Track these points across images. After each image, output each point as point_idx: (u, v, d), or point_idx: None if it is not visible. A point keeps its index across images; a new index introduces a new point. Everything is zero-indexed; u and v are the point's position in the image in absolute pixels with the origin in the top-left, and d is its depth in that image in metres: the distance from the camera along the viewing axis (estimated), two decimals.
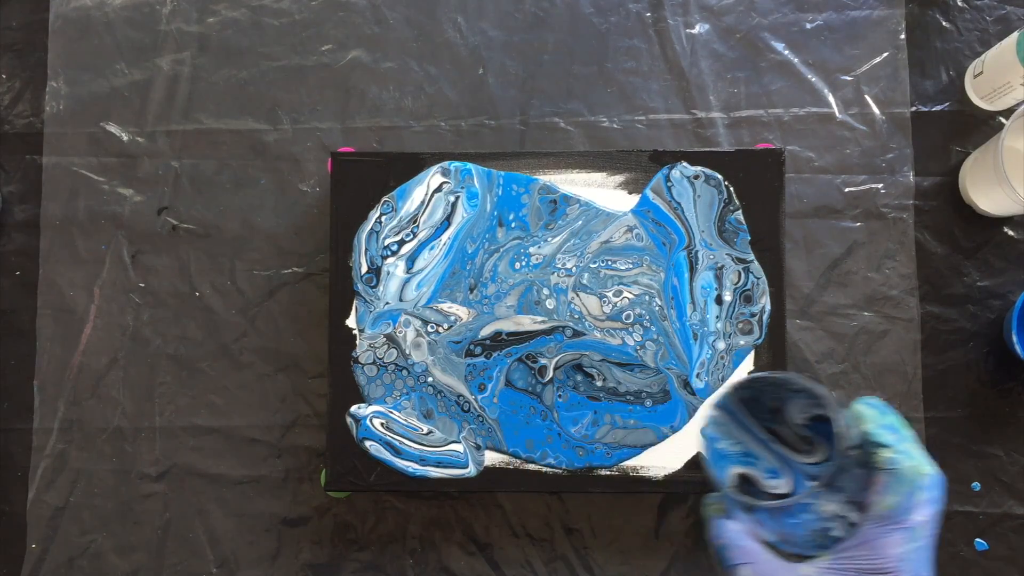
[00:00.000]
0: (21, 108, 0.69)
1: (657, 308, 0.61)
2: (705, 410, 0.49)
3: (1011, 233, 0.66)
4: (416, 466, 0.60)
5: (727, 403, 0.45)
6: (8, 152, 0.69)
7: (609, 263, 0.61)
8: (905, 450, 0.43)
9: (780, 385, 0.45)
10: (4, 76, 0.70)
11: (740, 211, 0.61)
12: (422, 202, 0.62)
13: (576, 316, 0.61)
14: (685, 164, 0.62)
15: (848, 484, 0.43)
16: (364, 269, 0.62)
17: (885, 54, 0.68)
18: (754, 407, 0.46)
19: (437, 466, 0.60)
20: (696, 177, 0.62)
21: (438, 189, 0.62)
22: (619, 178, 0.62)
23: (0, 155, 0.69)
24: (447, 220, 0.62)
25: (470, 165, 0.62)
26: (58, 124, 0.69)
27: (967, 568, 0.64)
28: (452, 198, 0.62)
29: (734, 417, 0.46)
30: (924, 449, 0.43)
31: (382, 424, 0.61)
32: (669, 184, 0.62)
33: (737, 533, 0.43)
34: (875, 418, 0.43)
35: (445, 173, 0.62)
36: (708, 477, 0.44)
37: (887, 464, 0.43)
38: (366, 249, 0.62)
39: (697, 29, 0.68)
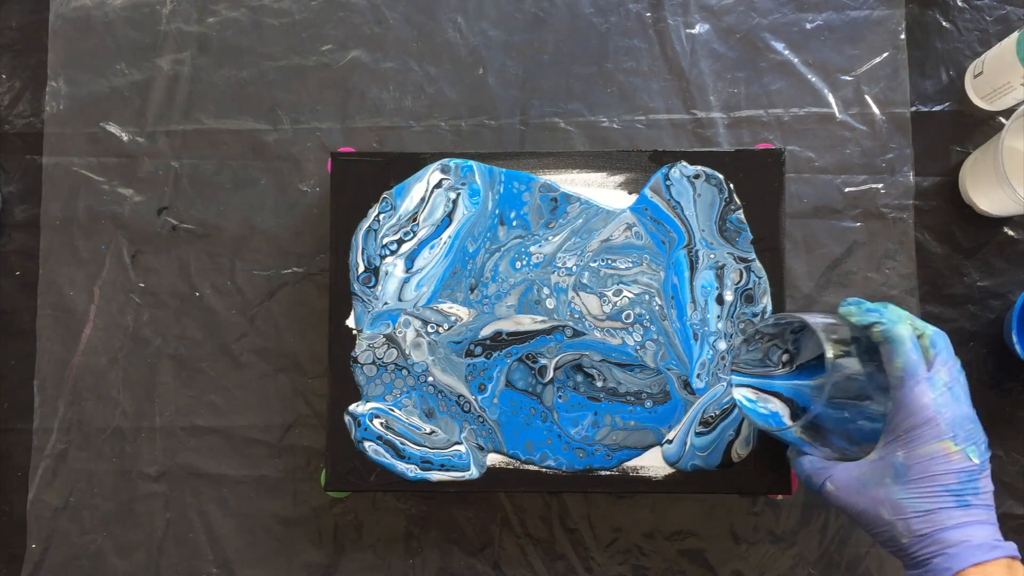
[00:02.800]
0: (21, 108, 0.69)
1: (657, 308, 0.61)
2: (732, 391, 0.55)
3: (1011, 233, 0.66)
4: (416, 469, 0.60)
5: (741, 369, 0.55)
6: (8, 152, 0.69)
7: (609, 262, 0.61)
8: (892, 318, 0.49)
9: (773, 331, 0.54)
10: (4, 76, 0.70)
11: (741, 210, 0.61)
12: (422, 199, 0.62)
13: (576, 316, 0.61)
14: (684, 164, 0.62)
15: (869, 377, 0.49)
16: (361, 269, 0.62)
17: (885, 54, 0.68)
18: (758, 361, 0.55)
19: (440, 469, 0.60)
20: (696, 176, 0.62)
21: (438, 185, 0.62)
22: (619, 178, 0.62)
23: (0, 155, 0.69)
24: (448, 217, 0.62)
25: (471, 162, 0.62)
26: (58, 124, 0.69)
27: None
28: (453, 195, 0.62)
29: (751, 377, 0.55)
30: (919, 318, 0.49)
31: (382, 423, 0.61)
32: (668, 183, 0.62)
33: (810, 461, 0.51)
34: (856, 312, 0.50)
35: (445, 170, 0.62)
36: (772, 434, 0.52)
37: (881, 336, 0.49)
38: (363, 249, 0.62)
39: (697, 29, 0.68)
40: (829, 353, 0.48)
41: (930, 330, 0.50)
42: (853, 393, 0.49)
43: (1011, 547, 0.46)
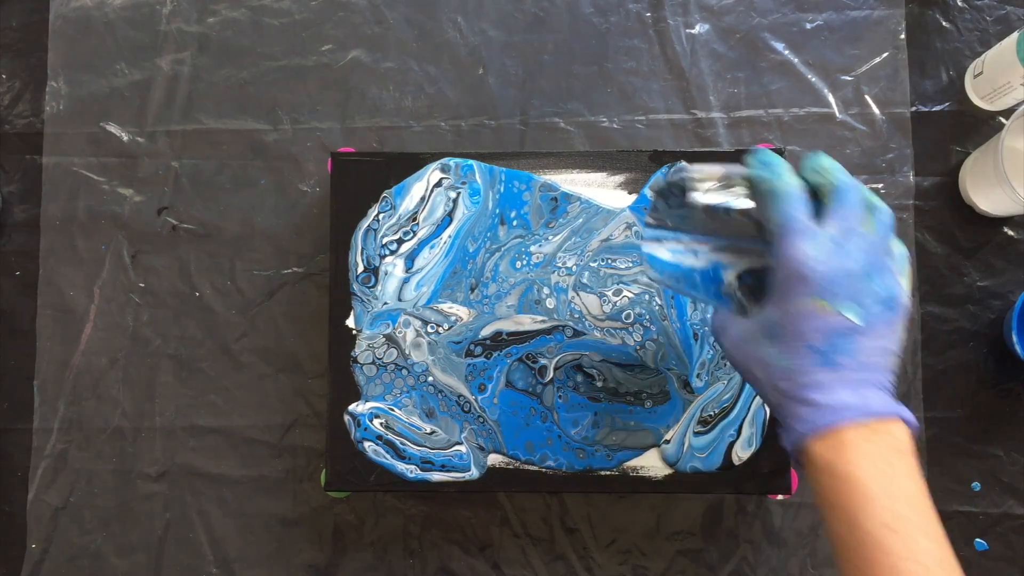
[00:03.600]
0: (21, 108, 0.69)
1: (657, 307, 0.61)
2: (642, 245, 0.52)
3: (1011, 233, 0.66)
4: (416, 470, 0.60)
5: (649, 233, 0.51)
6: (8, 152, 0.69)
7: (609, 262, 0.61)
8: (779, 173, 0.45)
9: (668, 188, 0.50)
10: (4, 76, 0.70)
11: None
12: (422, 198, 0.62)
13: (576, 316, 0.61)
14: (684, 163, 0.62)
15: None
16: (360, 269, 0.62)
17: (885, 54, 0.68)
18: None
19: (441, 470, 0.60)
20: None
21: (438, 184, 0.62)
22: (619, 178, 0.62)
23: (0, 155, 0.69)
24: (448, 216, 0.62)
25: (471, 161, 0.62)
26: (58, 124, 0.69)
27: (967, 568, 0.63)
28: (453, 194, 0.62)
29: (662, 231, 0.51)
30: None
31: (382, 423, 0.61)
32: None
33: (718, 315, 0.48)
34: (754, 163, 0.46)
35: (445, 169, 0.62)
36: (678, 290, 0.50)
37: (765, 190, 0.45)
38: (363, 248, 0.62)
39: (697, 29, 0.68)
40: (698, 199, 0.47)
41: (840, 182, 0.45)
42: (747, 249, 0.47)
43: (887, 409, 0.43)
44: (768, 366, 0.44)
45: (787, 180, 0.45)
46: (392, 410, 0.61)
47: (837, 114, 0.67)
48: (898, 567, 0.40)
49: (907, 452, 0.42)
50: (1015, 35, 0.60)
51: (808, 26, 0.68)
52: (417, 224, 0.62)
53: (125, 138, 0.69)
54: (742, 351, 0.46)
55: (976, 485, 0.64)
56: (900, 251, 0.46)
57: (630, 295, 0.61)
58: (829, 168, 0.45)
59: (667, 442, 0.60)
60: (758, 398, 0.60)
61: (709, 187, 0.48)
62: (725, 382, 0.60)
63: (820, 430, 0.43)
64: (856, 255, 0.43)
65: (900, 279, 0.44)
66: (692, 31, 0.68)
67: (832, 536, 0.43)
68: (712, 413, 0.60)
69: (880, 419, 0.42)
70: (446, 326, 0.61)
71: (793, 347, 0.44)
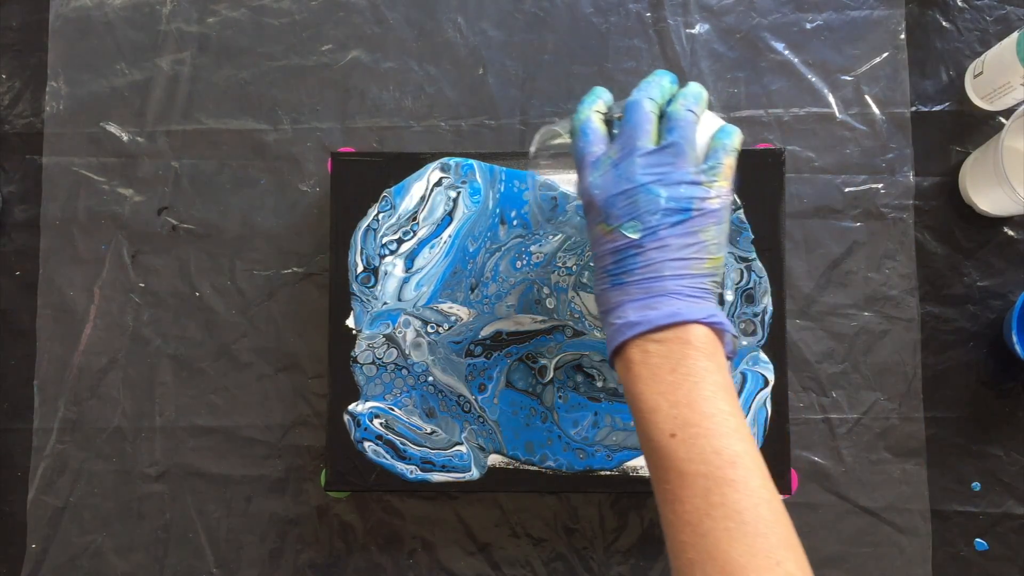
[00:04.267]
0: (21, 108, 0.69)
1: None
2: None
3: (1011, 233, 0.66)
4: (417, 470, 0.60)
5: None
6: (8, 152, 0.69)
7: None
8: (581, 109, 0.47)
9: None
10: (4, 76, 0.70)
11: (741, 210, 0.61)
12: (422, 198, 0.62)
13: (576, 315, 0.61)
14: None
15: None
16: (360, 268, 0.62)
17: (885, 54, 0.68)
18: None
19: (442, 470, 0.60)
20: None
21: (438, 184, 0.62)
22: None
23: (0, 155, 0.69)
24: (449, 216, 0.62)
25: (472, 160, 0.62)
26: (58, 124, 0.69)
27: (967, 568, 0.64)
28: (453, 194, 0.62)
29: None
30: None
31: (382, 423, 0.61)
32: None
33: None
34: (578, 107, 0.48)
35: (445, 168, 0.62)
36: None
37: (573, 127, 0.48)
38: (362, 248, 0.62)
39: (697, 29, 0.68)
40: (531, 148, 0.52)
41: (630, 101, 0.46)
42: None
43: (671, 317, 0.42)
44: (595, 296, 0.46)
45: (581, 115, 0.47)
46: (392, 410, 0.61)
47: (837, 114, 0.67)
48: (681, 469, 0.40)
49: (699, 355, 0.42)
50: (1015, 35, 0.60)
51: (808, 26, 0.68)
52: (417, 224, 0.62)
53: (125, 138, 0.69)
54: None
55: (976, 485, 0.64)
56: (721, 143, 0.45)
57: None
58: (643, 87, 0.46)
59: None
60: (760, 396, 0.60)
61: (548, 135, 0.52)
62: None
63: (613, 351, 0.44)
64: (631, 172, 0.43)
65: (705, 179, 0.43)
66: (692, 31, 0.68)
67: (640, 446, 0.44)
68: None
69: (671, 327, 0.42)
70: (446, 326, 0.61)
71: (597, 274, 0.45)
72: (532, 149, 0.54)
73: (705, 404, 0.41)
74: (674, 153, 0.44)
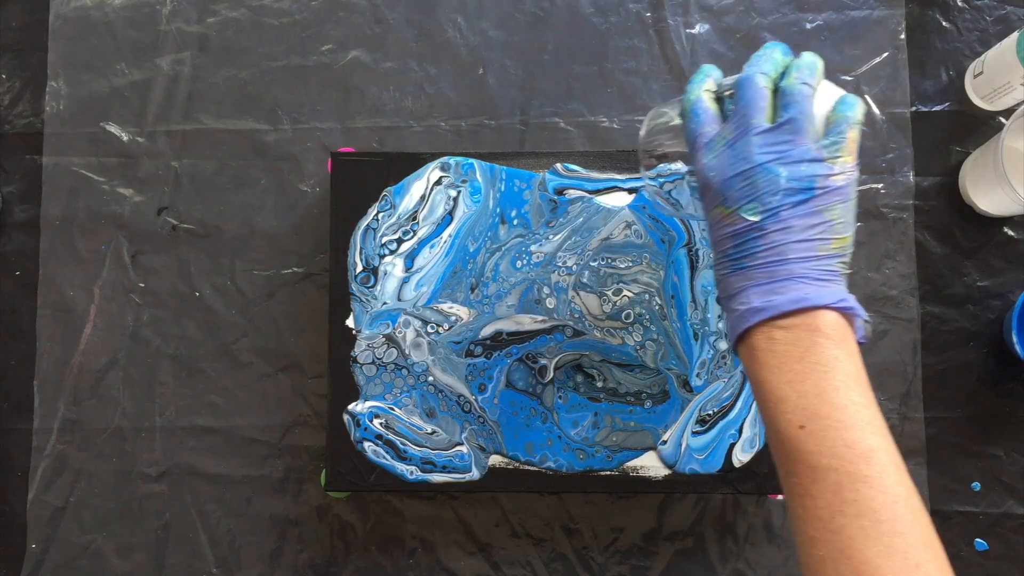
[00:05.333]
0: (21, 108, 0.69)
1: (657, 307, 0.61)
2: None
3: (1011, 233, 0.66)
4: (417, 471, 0.60)
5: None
6: (8, 152, 0.69)
7: (609, 261, 0.61)
8: (690, 88, 0.45)
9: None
10: (4, 76, 0.70)
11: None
12: (422, 197, 0.62)
13: (576, 315, 0.61)
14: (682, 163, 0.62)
15: None
16: (359, 268, 0.62)
17: (885, 54, 0.68)
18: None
19: (442, 471, 0.60)
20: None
21: (438, 182, 0.62)
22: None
23: (0, 155, 0.69)
24: (449, 215, 0.62)
25: (472, 160, 0.62)
26: (58, 124, 0.69)
27: (967, 568, 0.64)
28: (454, 193, 0.62)
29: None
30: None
31: (382, 423, 0.61)
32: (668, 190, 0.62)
33: None
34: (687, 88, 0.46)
35: (445, 168, 0.62)
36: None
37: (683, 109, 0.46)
38: (361, 248, 0.62)
39: (697, 29, 0.68)
40: (641, 131, 0.50)
41: (742, 77, 0.43)
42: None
43: (798, 302, 0.40)
44: (716, 280, 0.44)
45: (691, 95, 0.45)
46: (392, 409, 0.61)
47: None
48: (811, 463, 0.39)
49: (829, 342, 0.40)
50: (1015, 35, 0.60)
51: (808, 26, 0.68)
52: (417, 223, 0.62)
53: (125, 138, 0.69)
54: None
55: (976, 485, 0.64)
56: (844, 116, 0.42)
57: (630, 295, 0.61)
58: (754, 61, 0.44)
59: (664, 443, 0.60)
60: None
61: (659, 120, 0.50)
62: (725, 380, 0.60)
63: (736, 337, 0.42)
64: (748, 151, 0.41)
65: (827, 155, 0.41)
66: (692, 31, 0.68)
67: (767, 437, 0.42)
68: (711, 412, 0.60)
69: (798, 313, 0.40)
70: (446, 326, 0.61)
71: (717, 259, 0.44)
72: (642, 133, 0.51)
73: (836, 394, 0.39)
74: (792, 130, 0.41)
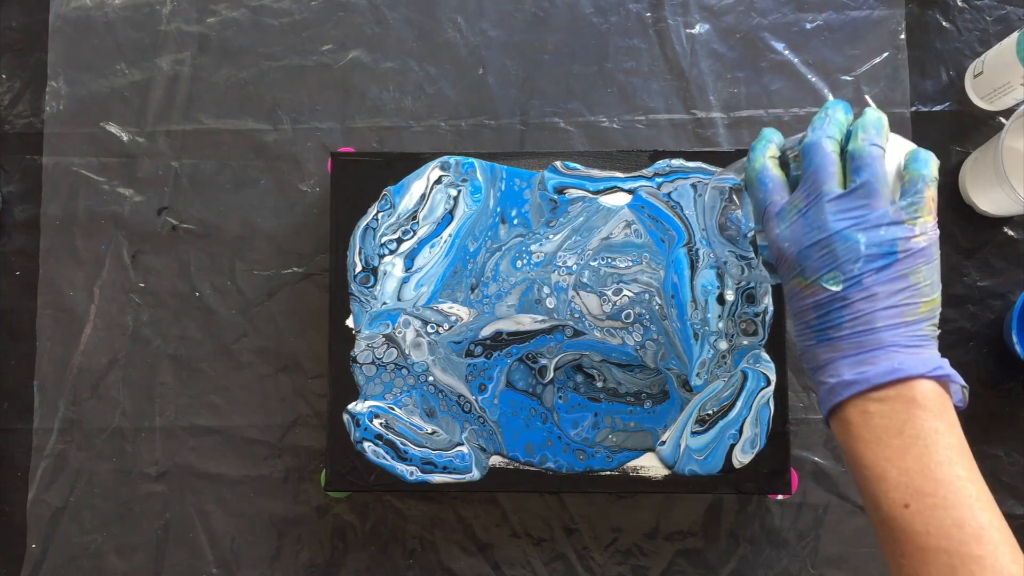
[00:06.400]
0: (21, 108, 0.69)
1: (657, 307, 0.61)
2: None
3: (1011, 233, 0.66)
4: (417, 472, 0.60)
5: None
6: (8, 152, 0.69)
7: (609, 261, 0.61)
8: (752, 158, 0.45)
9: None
10: (4, 76, 0.70)
11: (741, 210, 0.61)
12: (422, 196, 0.62)
13: (576, 315, 0.61)
14: (682, 161, 0.62)
15: None
16: (358, 268, 0.62)
17: (885, 54, 0.68)
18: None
19: (443, 471, 0.60)
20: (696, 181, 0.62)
21: (438, 181, 0.62)
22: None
23: (0, 155, 0.69)
24: (450, 215, 0.62)
25: (472, 159, 0.62)
26: (58, 124, 0.69)
27: None
28: (454, 192, 0.62)
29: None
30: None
31: (382, 423, 0.61)
32: (668, 192, 0.62)
33: None
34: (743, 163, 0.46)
35: (445, 167, 0.62)
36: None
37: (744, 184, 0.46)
38: (360, 248, 0.62)
39: (697, 29, 0.68)
40: (706, 196, 0.51)
41: (807, 143, 0.42)
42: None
43: (891, 374, 0.39)
44: (798, 349, 0.43)
45: (755, 164, 0.44)
46: (392, 409, 0.61)
47: None
48: (919, 544, 0.37)
49: (928, 414, 0.39)
50: (1015, 35, 0.60)
51: (808, 26, 0.68)
52: (417, 223, 0.62)
53: (125, 138, 0.69)
54: None
55: None
56: (920, 175, 0.41)
57: (630, 294, 0.61)
58: (818, 125, 0.43)
59: (663, 443, 0.60)
60: (761, 396, 0.60)
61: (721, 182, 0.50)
62: (725, 379, 0.60)
63: (828, 412, 0.41)
64: (823, 220, 0.40)
65: (906, 217, 0.40)
66: (692, 31, 0.68)
67: (868, 513, 0.41)
68: (710, 412, 0.60)
69: (893, 384, 0.39)
70: (446, 326, 0.61)
71: (799, 329, 0.43)
72: (706, 198, 0.52)
73: (940, 470, 0.38)
74: (866, 194, 0.40)
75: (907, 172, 0.41)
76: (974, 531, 0.37)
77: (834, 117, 0.43)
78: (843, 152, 0.42)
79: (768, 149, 0.44)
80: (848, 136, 0.42)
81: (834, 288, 0.40)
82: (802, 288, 0.41)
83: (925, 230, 0.40)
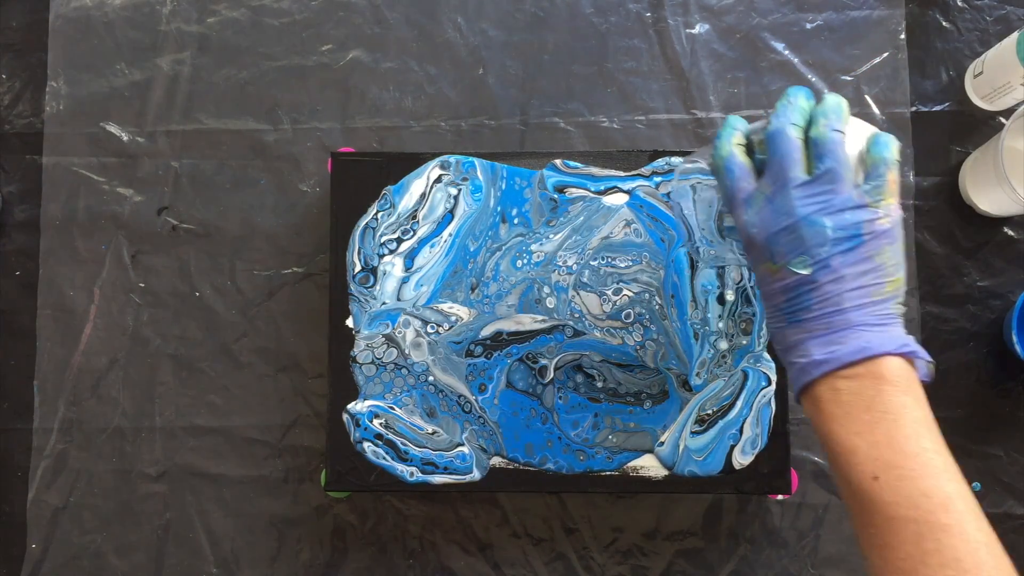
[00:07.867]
0: (21, 108, 0.69)
1: (657, 307, 0.61)
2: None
3: (1011, 233, 0.66)
4: (417, 472, 0.60)
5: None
6: (8, 152, 0.69)
7: (609, 260, 0.61)
8: (719, 145, 0.46)
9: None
10: (4, 76, 0.70)
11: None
12: (422, 195, 0.62)
13: (576, 315, 0.61)
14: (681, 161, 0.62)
15: None
16: (358, 268, 0.62)
17: (885, 54, 0.68)
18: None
19: (444, 472, 0.60)
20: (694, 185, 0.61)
21: (438, 180, 0.62)
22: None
23: (0, 155, 0.69)
24: (450, 214, 0.62)
25: (472, 158, 0.62)
26: (58, 124, 0.69)
27: None
28: (454, 191, 0.62)
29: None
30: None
31: (382, 423, 0.61)
32: (667, 193, 0.62)
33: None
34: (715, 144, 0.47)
35: (444, 166, 0.62)
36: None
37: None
38: (360, 248, 0.62)
39: (697, 29, 0.68)
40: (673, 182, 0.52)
41: (770, 129, 0.43)
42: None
43: (860, 352, 0.40)
44: (769, 334, 0.44)
45: (722, 151, 0.45)
46: (392, 409, 0.61)
47: None
48: (888, 514, 0.39)
49: (895, 390, 0.40)
50: (1015, 35, 0.60)
51: (808, 26, 0.68)
52: (417, 222, 0.62)
53: (125, 138, 0.69)
54: None
55: (976, 485, 0.64)
56: (881, 158, 0.42)
57: (630, 294, 0.61)
58: (781, 112, 0.43)
59: (662, 444, 0.60)
60: (761, 396, 0.60)
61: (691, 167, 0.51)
62: (725, 379, 0.60)
63: (800, 391, 0.43)
64: (789, 205, 0.42)
65: (870, 200, 0.41)
66: (692, 31, 0.68)
67: (838, 488, 0.42)
68: (710, 411, 0.60)
69: (861, 362, 0.40)
70: (446, 326, 0.61)
71: (769, 312, 0.44)
72: (672, 185, 0.53)
73: (907, 443, 0.39)
74: (831, 179, 0.41)
75: (869, 156, 0.43)
76: (941, 501, 0.38)
77: (796, 104, 0.44)
78: (806, 137, 0.43)
79: (734, 136, 0.45)
80: (811, 121, 0.43)
81: (803, 272, 0.41)
82: (772, 272, 0.43)
83: (888, 212, 0.41)
